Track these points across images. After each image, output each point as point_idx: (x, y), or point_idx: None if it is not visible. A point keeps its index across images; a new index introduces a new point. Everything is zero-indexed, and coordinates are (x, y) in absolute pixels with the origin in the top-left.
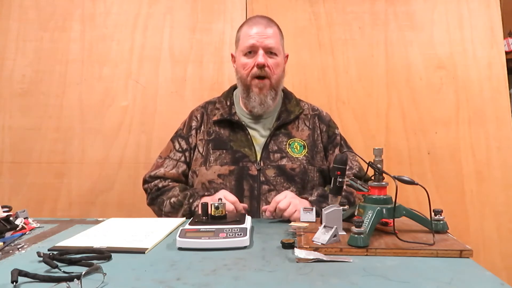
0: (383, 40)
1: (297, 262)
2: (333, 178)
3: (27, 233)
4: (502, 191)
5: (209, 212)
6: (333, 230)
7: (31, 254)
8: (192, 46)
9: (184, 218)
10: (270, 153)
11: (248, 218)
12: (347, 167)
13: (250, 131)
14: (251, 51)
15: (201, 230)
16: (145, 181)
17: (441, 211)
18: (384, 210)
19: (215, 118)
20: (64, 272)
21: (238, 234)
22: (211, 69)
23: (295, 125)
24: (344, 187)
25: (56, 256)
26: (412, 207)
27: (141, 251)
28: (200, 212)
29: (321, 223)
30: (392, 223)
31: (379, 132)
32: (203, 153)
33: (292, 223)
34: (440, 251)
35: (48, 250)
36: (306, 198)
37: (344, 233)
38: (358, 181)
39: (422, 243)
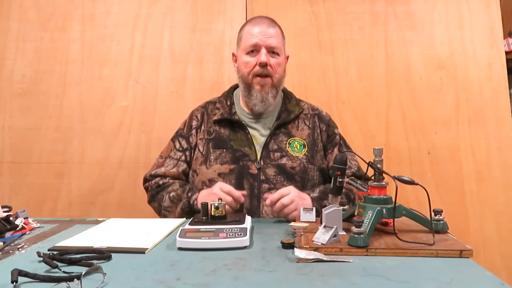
0: (383, 40)
1: (297, 262)
2: (333, 178)
3: (27, 233)
4: (502, 191)
5: (209, 212)
6: (333, 230)
7: (31, 254)
8: (192, 46)
9: (184, 219)
10: (270, 152)
11: (248, 218)
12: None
13: (250, 130)
14: (254, 50)
15: (201, 230)
16: (145, 180)
17: (441, 211)
18: (384, 210)
19: (215, 117)
20: (64, 272)
21: (238, 234)
22: (211, 69)
23: (295, 125)
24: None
25: (56, 256)
26: (412, 207)
27: (141, 251)
28: (198, 205)
29: (321, 223)
30: (392, 223)
31: (379, 132)
32: (204, 152)
33: (292, 223)
34: (440, 251)
35: (48, 250)
36: (308, 195)
37: (344, 233)
38: (358, 181)
39: (422, 243)
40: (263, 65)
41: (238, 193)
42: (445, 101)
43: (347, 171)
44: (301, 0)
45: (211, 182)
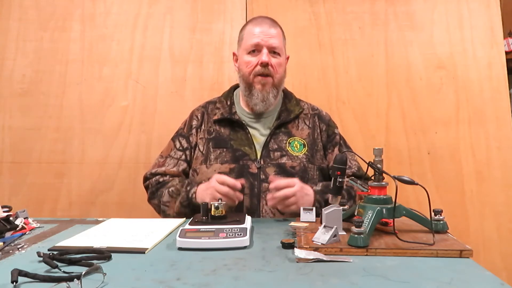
0: (383, 40)
1: (297, 262)
2: (333, 178)
3: (27, 233)
4: (502, 191)
5: (209, 211)
6: (333, 230)
7: (31, 254)
8: (192, 46)
9: (184, 218)
10: (270, 151)
11: (248, 218)
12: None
13: (250, 130)
14: (255, 50)
15: (201, 230)
16: (145, 179)
17: (441, 211)
18: (384, 210)
19: (215, 117)
20: (64, 272)
21: (238, 234)
22: (211, 69)
23: (295, 124)
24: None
25: (56, 256)
26: (412, 207)
27: (141, 251)
28: (196, 199)
29: (321, 223)
30: (392, 223)
31: (379, 132)
32: (204, 152)
33: (292, 223)
34: (440, 251)
35: (48, 250)
36: (311, 187)
37: (344, 233)
38: (358, 181)
39: (422, 243)
40: (264, 65)
41: (232, 181)
42: (445, 101)
43: (347, 171)
44: (301, 0)
45: None
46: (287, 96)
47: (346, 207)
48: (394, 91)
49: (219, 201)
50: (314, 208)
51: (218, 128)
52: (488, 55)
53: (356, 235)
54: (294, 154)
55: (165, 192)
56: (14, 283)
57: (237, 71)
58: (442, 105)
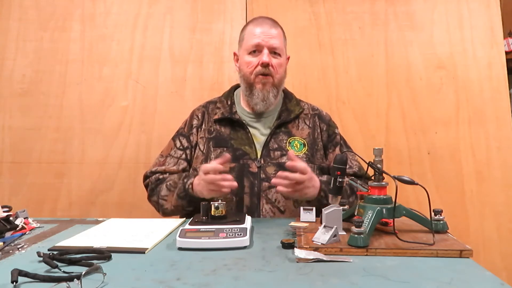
0: (383, 40)
1: (297, 262)
2: (333, 178)
3: (27, 233)
4: (502, 191)
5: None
6: (333, 230)
7: (31, 254)
8: (192, 46)
9: (184, 218)
10: (271, 151)
11: (248, 218)
12: (347, 167)
13: (250, 129)
14: (256, 50)
15: (201, 230)
16: (146, 177)
17: (441, 211)
18: (384, 210)
19: (216, 116)
20: (64, 272)
21: (238, 234)
22: (211, 69)
23: (295, 124)
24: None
25: (56, 256)
26: (412, 207)
27: (141, 251)
28: (193, 190)
29: (321, 223)
30: (392, 223)
31: (379, 132)
32: (204, 151)
33: (292, 223)
34: (440, 251)
35: (48, 250)
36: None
37: (344, 233)
38: (358, 181)
39: (422, 243)
40: (265, 65)
41: (212, 166)
42: (445, 101)
43: (348, 170)
44: (301, 0)
45: None
46: (288, 96)
47: (346, 207)
48: (394, 91)
49: (219, 201)
50: (314, 208)
51: (219, 127)
52: (488, 55)
53: (356, 235)
54: (294, 154)
55: (163, 187)
56: (14, 283)
57: (237, 71)
58: (442, 105)
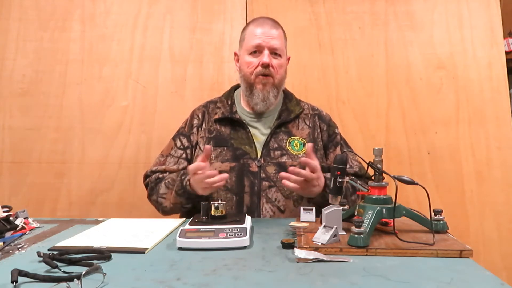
0: (383, 40)
1: (297, 262)
2: (333, 178)
3: (27, 233)
4: (502, 191)
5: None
6: (333, 230)
7: (31, 254)
8: (192, 46)
9: (184, 218)
10: (271, 150)
11: (248, 218)
12: (347, 167)
13: (250, 129)
14: (256, 51)
15: (201, 230)
16: (146, 176)
17: (441, 211)
18: (384, 210)
19: (216, 116)
20: (64, 272)
21: (238, 234)
22: (211, 69)
23: (295, 124)
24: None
25: (56, 256)
26: (412, 207)
27: (141, 251)
28: (191, 187)
29: (321, 223)
30: (392, 223)
31: (379, 132)
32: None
33: (292, 223)
34: (440, 251)
35: (48, 250)
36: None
37: (344, 233)
38: (358, 181)
39: (422, 243)
40: (265, 66)
41: (195, 165)
42: (445, 101)
43: (349, 170)
44: (301, 0)
45: None
46: (288, 96)
47: (346, 207)
48: (394, 91)
49: (219, 201)
50: (314, 208)
51: (219, 127)
52: (488, 55)
53: (356, 235)
54: (294, 153)
55: (162, 185)
56: (14, 283)
57: (238, 71)
58: (442, 105)
